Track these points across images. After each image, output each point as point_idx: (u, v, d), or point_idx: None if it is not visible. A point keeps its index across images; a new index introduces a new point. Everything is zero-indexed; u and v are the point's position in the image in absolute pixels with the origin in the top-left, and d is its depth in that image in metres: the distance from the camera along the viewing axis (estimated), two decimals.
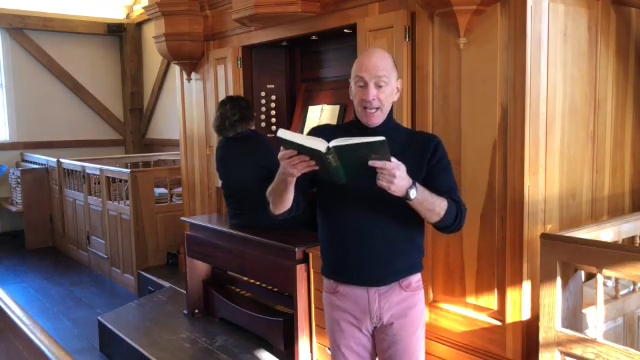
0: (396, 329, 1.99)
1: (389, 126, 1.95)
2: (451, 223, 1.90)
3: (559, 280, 2.14)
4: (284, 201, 1.91)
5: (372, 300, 1.97)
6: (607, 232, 2.39)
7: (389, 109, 1.94)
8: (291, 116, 4.22)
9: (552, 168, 2.58)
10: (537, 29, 2.44)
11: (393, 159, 1.68)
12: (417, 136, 2.05)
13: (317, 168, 1.71)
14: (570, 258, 2.14)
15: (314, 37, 3.80)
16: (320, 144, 1.63)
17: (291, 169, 1.73)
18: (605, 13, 2.79)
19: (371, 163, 1.66)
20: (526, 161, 2.45)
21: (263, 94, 4.24)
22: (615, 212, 2.94)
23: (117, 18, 8.06)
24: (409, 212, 1.84)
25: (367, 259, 1.94)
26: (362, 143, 1.62)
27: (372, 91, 1.86)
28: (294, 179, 1.80)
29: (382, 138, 1.61)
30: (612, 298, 2.42)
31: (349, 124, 2.07)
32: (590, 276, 2.51)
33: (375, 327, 2.02)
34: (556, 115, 2.57)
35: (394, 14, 2.89)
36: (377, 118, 1.91)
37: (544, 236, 2.22)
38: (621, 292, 2.45)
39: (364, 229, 1.92)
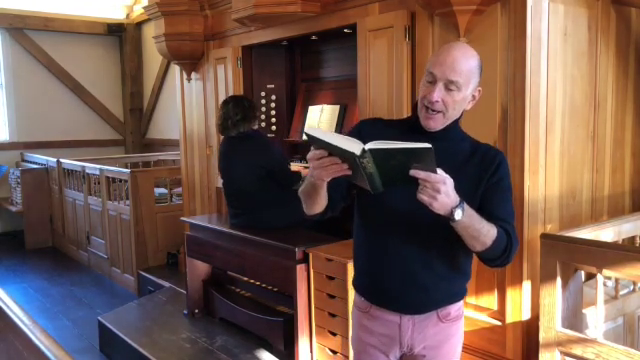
0: None
1: (451, 134, 1.70)
2: (497, 256, 1.62)
3: (559, 280, 2.14)
4: (315, 204, 1.69)
5: (405, 328, 1.76)
6: (607, 232, 2.39)
7: (457, 117, 1.69)
8: (291, 116, 4.22)
9: (552, 168, 2.58)
10: (537, 29, 2.44)
11: (440, 171, 1.43)
12: (481, 148, 1.73)
13: (350, 173, 1.48)
14: (570, 258, 2.14)
15: (314, 37, 3.80)
16: (355, 145, 1.39)
17: (320, 172, 1.50)
18: (605, 13, 2.79)
19: (413, 172, 1.42)
20: (526, 161, 2.45)
21: (263, 94, 4.24)
22: (615, 212, 2.94)
23: (117, 18, 8.06)
24: (456, 234, 1.58)
25: (403, 284, 1.72)
26: (404, 149, 1.38)
27: (438, 92, 1.60)
28: (324, 183, 1.58)
29: (428, 145, 1.37)
30: (612, 298, 2.42)
31: (405, 121, 1.81)
32: (590, 276, 2.51)
33: (404, 354, 1.82)
34: (556, 115, 2.57)
35: (394, 14, 2.89)
36: (436, 122, 1.65)
37: (544, 236, 2.22)
38: (621, 292, 2.45)
39: (402, 250, 1.70)
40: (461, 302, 1.83)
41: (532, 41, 2.42)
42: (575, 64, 2.66)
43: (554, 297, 2.15)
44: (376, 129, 1.75)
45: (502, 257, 1.63)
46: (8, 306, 1.87)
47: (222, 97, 4.09)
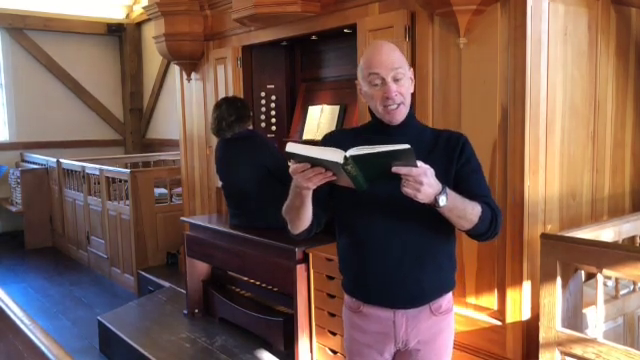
0: (422, 357, 1.82)
1: (412, 124, 1.78)
2: (485, 231, 1.69)
3: (559, 280, 2.14)
4: (302, 218, 1.72)
5: (399, 324, 1.78)
6: (607, 232, 2.39)
7: (410, 103, 1.77)
8: (291, 116, 4.22)
9: (552, 168, 2.58)
10: (537, 29, 2.44)
11: (420, 163, 1.49)
12: (443, 134, 1.82)
13: (334, 178, 1.54)
14: (570, 258, 2.14)
15: (314, 37, 3.80)
16: (336, 155, 1.45)
17: (306, 183, 1.55)
18: (605, 13, 2.79)
19: (395, 170, 1.48)
20: (526, 161, 2.45)
21: (263, 94, 4.23)
22: (615, 212, 2.93)
23: (117, 18, 8.06)
24: (439, 219, 1.64)
25: (393, 278, 1.74)
26: (385, 152, 1.44)
27: (392, 86, 1.68)
28: (310, 192, 1.63)
29: (407, 146, 1.43)
30: (612, 298, 2.42)
31: (367, 126, 1.86)
32: (590, 276, 2.51)
33: (398, 350, 1.83)
34: (556, 115, 2.57)
35: (394, 14, 2.89)
36: (401, 114, 1.73)
37: (544, 236, 2.22)
38: (621, 292, 2.45)
39: (388, 243, 1.72)
40: (450, 294, 1.86)
41: (532, 41, 2.42)
42: (575, 64, 2.66)
43: (554, 297, 2.15)
44: (343, 137, 1.82)
45: (490, 230, 1.70)
46: (8, 306, 1.87)
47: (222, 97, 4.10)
